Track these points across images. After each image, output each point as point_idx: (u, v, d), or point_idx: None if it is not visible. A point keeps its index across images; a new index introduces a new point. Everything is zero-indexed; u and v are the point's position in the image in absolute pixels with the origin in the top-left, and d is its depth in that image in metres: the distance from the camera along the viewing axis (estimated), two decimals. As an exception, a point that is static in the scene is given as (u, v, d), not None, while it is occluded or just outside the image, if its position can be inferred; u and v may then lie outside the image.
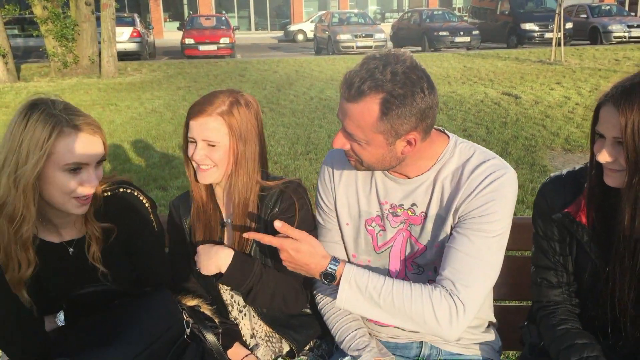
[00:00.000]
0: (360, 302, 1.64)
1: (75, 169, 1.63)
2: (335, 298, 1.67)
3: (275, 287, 1.87)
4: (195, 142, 1.82)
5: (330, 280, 1.66)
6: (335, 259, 1.67)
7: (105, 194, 1.80)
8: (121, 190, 1.83)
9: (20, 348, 1.59)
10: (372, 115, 1.54)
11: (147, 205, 1.85)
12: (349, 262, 1.75)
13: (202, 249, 1.87)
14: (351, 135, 1.61)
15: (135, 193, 1.84)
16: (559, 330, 1.75)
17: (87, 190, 1.66)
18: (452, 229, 1.70)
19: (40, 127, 1.58)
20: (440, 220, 1.73)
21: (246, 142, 1.85)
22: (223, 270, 1.82)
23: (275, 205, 1.90)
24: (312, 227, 1.93)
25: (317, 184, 1.93)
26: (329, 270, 1.65)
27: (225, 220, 1.98)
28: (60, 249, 1.76)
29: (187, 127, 1.86)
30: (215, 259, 1.83)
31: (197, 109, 1.82)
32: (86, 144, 1.64)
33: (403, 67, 1.53)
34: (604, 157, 1.56)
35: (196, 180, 1.90)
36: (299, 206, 1.89)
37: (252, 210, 1.89)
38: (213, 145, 1.82)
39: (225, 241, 1.98)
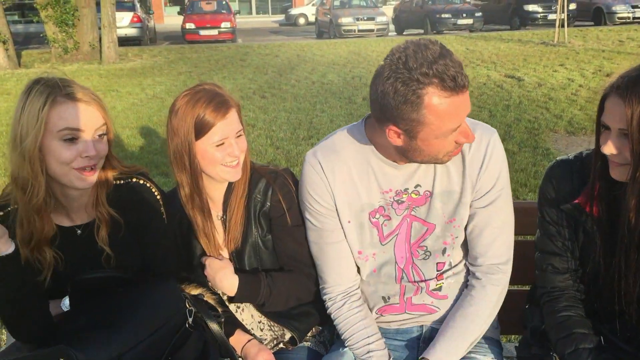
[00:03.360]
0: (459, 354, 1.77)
1: (72, 138, 1.63)
2: (349, 306, 1.83)
3: (287, 292, 1.89)
4: (226, 140, 1.78)
5: None
6: None
7: (118, 182, 1.81)
8: (134, 180, 1.82)
9: (26, 329, 1.65)
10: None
11: (158, 197, 1.84)
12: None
13: (208, 273, 1.88)
14: (464, 126, 1.62)
15: (148, 184, 1.83)
16: (560, 317, 1.75)
17: (86, 161, 1.65)
18: (470, 206, 1.76)
19: (36, 99, 1.61)
20: (451, 195, 1.74)
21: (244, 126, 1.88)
22: (232, 295, 1.86)
23: (266, 200, 1.89)
24: (300, 222, 1.90)
25: (301, 189, 1.84)
26: None
27: (214, 216, 1.95)
28: (69, 232, 1.77)
29: (199, 135, 1.77)
30: (221, 287, 1.86)
31: (218, 112, 1.76)
32: (79, 111, 1.65)
33: (420, 43, 1.55)
34: (609, 149, 1.54)
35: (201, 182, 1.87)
36: (286, 206, 1.88)
37: (242, 204, 1.89)
38: (240, 135, 1.82)
39: (218, 237, 1.95)
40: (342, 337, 1.87)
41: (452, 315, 1.81)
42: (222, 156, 1.79)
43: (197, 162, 1.81)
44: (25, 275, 1.61)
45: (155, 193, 1.84)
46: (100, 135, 1.70)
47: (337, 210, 1.78)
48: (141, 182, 1.83)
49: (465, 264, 1.85)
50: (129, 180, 1.82)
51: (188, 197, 1.87)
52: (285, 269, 1.94)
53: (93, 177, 1.69)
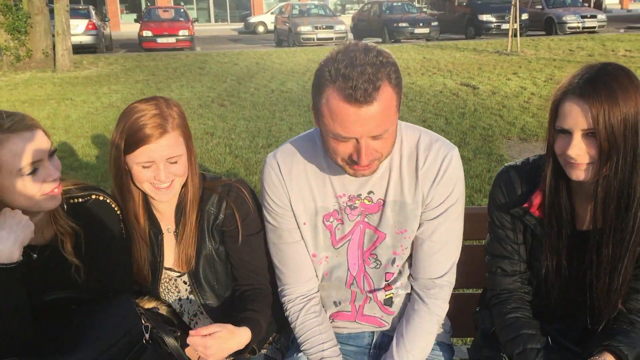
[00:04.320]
0: None
1: (33, 170, 1.57)
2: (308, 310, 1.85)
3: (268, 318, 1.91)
4: (153, 164, 1.75)
5: None
6: None
7: (76, 200, 1.76)
8: (93, 197, 1.78)
9: (4, 343, 1.58)
10: (392, 98, 1.53)
11: (118, 212, 1.82)
12: None
13: (214, 346, 1.71)
14: (379, 135, 1.56)
15: (108, 200, 1.80)
16: (509, 319, 1.79)
17: (52, 184, 1.61)
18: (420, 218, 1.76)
19: None
20: (402, 206, 1.75)
21: (192, 142, 1.84)
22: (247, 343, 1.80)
23: (219, 213, 1.88)
24: (259, 228, 1.91)
25: (262, 188, 1.85)
26: None
27: (165, 230, 1.93)
28: (24, 254, 1.67)
29: (125, 155, 1.75)
30: (236, 348, 1.77)
31: (150, 133, 1.71)
32: (30, 143, 1.57)
33: (371, 49, 1.54)
34: (574, 151, 1.55)
35: (138, 199, 1.86)
36: (240, 216, 1.88)
37: (196, 216, 1.87)
38: (175, 162, 1.78)
39: (166, 251, 1.94)
40: (297, 341, 1.88)
41: (400, 330, 1.82)
42: (149, 177, 1.77)
43: (123, 174, 1.79)
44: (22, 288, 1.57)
45: (115, 208, 1.81)
46: (50, 155, 1.64)
47: (292, 210, 1.80)
48: (100, 198, 1.79)
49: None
50: (88, 197, 1.78)
51: (122, 207, 1.85)
52: (242, 286, 1.94)
53: (60, 191, 1.65)
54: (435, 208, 1.75)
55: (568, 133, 1.56)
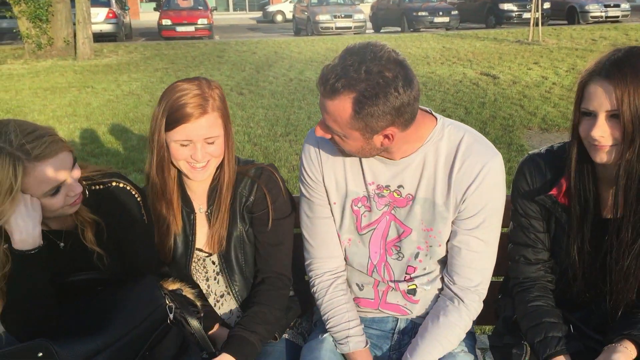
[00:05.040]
0: None
1: (56, 190, 1.60)
2: (335, 288, 1.86)
3: (275, 320, 1.91)
4: (191, 142, 1.78)
5: None
6: None
7: (98, 187, 1.79)
8: (113, 184, 1.80)
9: (31, 325, 1.63)
10: (345, 113, 1.54)
11: (138, 199, 1.84)
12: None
13: None
14: (330, 128, 1.62)
15: (128, 187, 1.82)
16: (531, 307, 1.79)
17: (73, 198, 1.65)
18: (452, 223, 1.74)
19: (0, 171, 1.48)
20: (432, 205, 1.74)
21: (230, 125, 1.86)
22: None
23: (250, 195, 1.90)
24: (289, 213, 1.93)
25: (300, 159, 1.89)
26: None
27: (197, 210, 1.96)
28: (49, 240, 1.73)
29: (166, 132, 1.78)
30: None
31: (191, 112, 1.74)
32: (55, 169, 1.57)
33: (379, 65, 1.50)
34: (598, 132, 1.54)
35: (172, 176, 1.88)
36: (271, 199, 1.89)
37: (229, 199, 1.89)
38: (212, 142, 1.80)
39: (198, 231, 1.96)
40: (323, 318, 1.89)
41: (426, 324, 1.82)
42: (186, 156, 1.79)
43: (164, 151, 1.81)
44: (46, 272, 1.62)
45: (135, 195, 1.83)
46: (73, 165, 1.65)
47: (325, 187, 1.83)
48: (121, 185, 1.81)
49: (442, 277, 1.84)
50: (109, 184, 1.80)
51: (157, 188, 1.88)
52: (262, 273, 1.95)
53: (81, 198, 1.69)
54: (472, 217, 1.72)
55: (593, 115, 1.56)
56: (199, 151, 1.78)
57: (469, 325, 1.82)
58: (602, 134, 1.54)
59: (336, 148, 1.72)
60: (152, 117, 1.82)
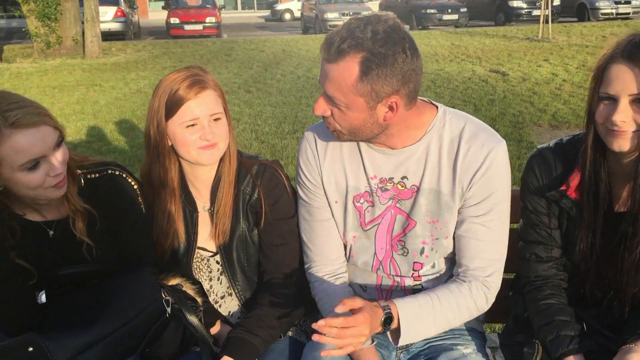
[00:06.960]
0: (421, 333, 1.66)
1: (34, 165, 1.54)
2: (333, 283, 1.81)
3: (278, 322, 1.87)
4: (198, 121, 1.73)
5: (389, 323, 1.58)
6: (384, 305, 1.59)
7: (93, 176, 1.75)
8: (109, 172, 1.77)
9: (12, 319, 1.60)
10: (352, 76, 1.50)
11: (135, 187, 1.81)
12: (390, 300, 1.64)
13: None
14: (332, 99, 1.56)
15: (124, 175, 1.79)
16: (543, 305, 1.75)
17: (55, 179, 1.59)
18: (458, 212, 1.69)
19: None
20: (437, 195, 1.69)
21: (229, 114, 1.82)
22: None
23: (253, 193, 1.86)
24: (293, 212, 1.89)
25: (297, 161, 1.85)
26: (387, 315, 1.58)
27: (200, 209, 1.91)
28: (40, 230, 1.71)
29: (167, 120, 1.74)
30: None
31: (189, 90, 1.70)
32: (33, 140, 1.51)
33: (385, 26, 1.49)
34: (620, 116, 1.47)
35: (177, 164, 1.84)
36: (271, 201, 1.85)
37: (231, 195, 1.85)
38: (218, 119, 1.76)
39: (200, 229, 1.92)
40: (318, 305, 1.86)
41: (449, 292, 1.72)
42: (194, 139, 1.74)
43: (165, 145, 1.77)
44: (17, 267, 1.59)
45: (132, 183, 1.80)
46: (56, 146, 1.59)
47: (324, 188, 1.78)
48: (117, 173, 1.78)
49: (451, 275, 1.79)
50: (104, 172, 1.77)
51: (157, 185, 1.84)
52: (265, 274, 1.91)
53: (65, 183, 1.64)
54: (478, 205, 1.67)
55: (613, 99, 1.49)
56: (206, 128, 1.73)
57: (470, 307, 1.71)
58: (624, 118, 1.48)
59: (333, 134, 1.66)
60: (148, 113, 1.78)
